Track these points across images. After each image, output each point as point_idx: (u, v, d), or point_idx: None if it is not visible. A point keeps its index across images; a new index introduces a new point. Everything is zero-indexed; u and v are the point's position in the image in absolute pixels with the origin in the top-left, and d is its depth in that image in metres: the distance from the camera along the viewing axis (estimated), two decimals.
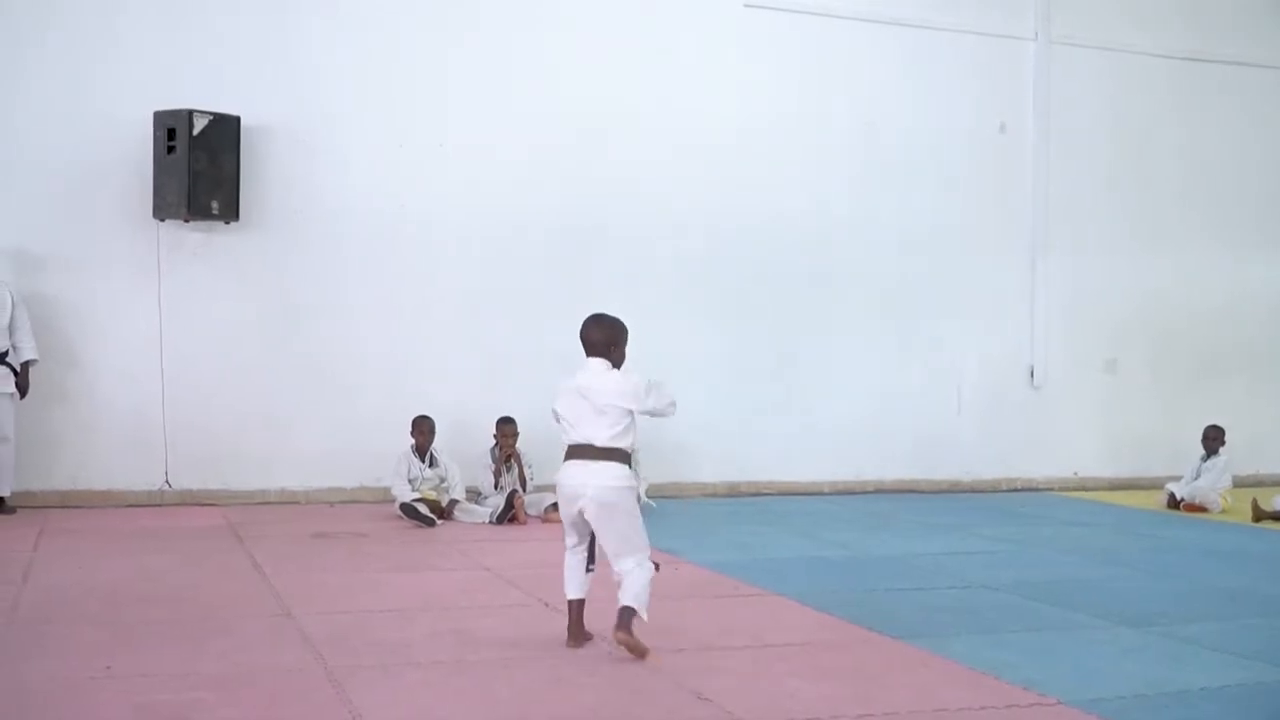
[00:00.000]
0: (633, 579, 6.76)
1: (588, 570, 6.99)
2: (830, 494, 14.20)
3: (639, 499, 11.91)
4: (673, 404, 6.91)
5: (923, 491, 14.59)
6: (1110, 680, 6.58)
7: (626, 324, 7.03)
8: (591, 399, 6.81)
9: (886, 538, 11.37)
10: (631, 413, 6.84)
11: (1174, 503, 13.66)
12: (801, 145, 14.28)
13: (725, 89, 14.01)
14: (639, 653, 6.67)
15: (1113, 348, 15.74)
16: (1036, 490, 15.17)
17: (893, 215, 14.64)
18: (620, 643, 6.69)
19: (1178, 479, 13.92)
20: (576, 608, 6.99)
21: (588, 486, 6.79)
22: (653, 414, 6.92)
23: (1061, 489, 15.25)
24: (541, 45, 13.37)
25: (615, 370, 6.91)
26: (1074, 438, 15.52)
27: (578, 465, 6.84)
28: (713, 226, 13.86)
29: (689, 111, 13.81)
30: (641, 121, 13.62)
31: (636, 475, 11.67)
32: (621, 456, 6.82)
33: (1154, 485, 14.42)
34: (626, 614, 6.69)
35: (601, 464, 6.80)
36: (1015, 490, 15.09)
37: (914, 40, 14.76)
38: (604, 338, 6.94)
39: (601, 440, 6.80)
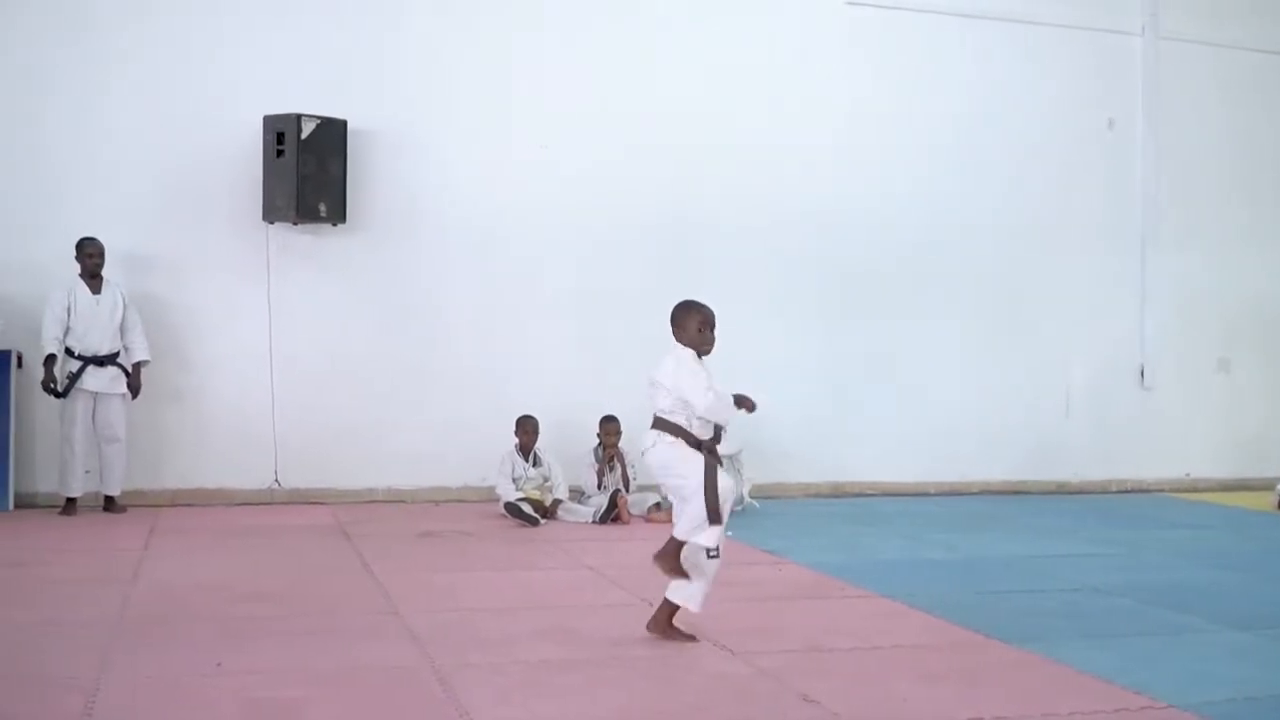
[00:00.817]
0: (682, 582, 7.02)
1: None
2: (935, 495, 14.08)
3: (742, 498, 12.05)
4: (706, 405, 6.92)
5: (1030, 493, 14.42)
6: (1221, 683, 6.45)
7: (694, 306, 7.17)
8: (652, 375, 7.13)
9: (993, 540, 11.25)
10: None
11: None
12: (904, 142, 14.17)
13: (827, 86, 13.93)
14: (682, 638, 7.01)
15: (1225, 346, 15.47)
16: (1147, 491, 14.93)
17: (998, 213, 14.49)
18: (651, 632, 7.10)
19: None
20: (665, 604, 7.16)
21: (645, 451, 7.22)
22: (692, 407, 6.97)
23: (1173, 490, 15.00)
24: (642, 45, 13.38)
25: (678, 352, 7.09)
26: (1185, 438, 15.25)
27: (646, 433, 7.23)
28: (814, 224, 13.78)
29: (791, 108, 13.76)
30: (742, 118, 13.57)
31: (739, 476, 11.81)
32: (668, 427, 7.01)
33: (1268, 486, 14.10)
34: (665, 607, 7.06)
35: (652, 432, 7.10)
36: (1125, 492, 14.86)
37: (1019, 36, 14.59)
38: (671, 322, 7.19)
39: (658, 411, 7.08)
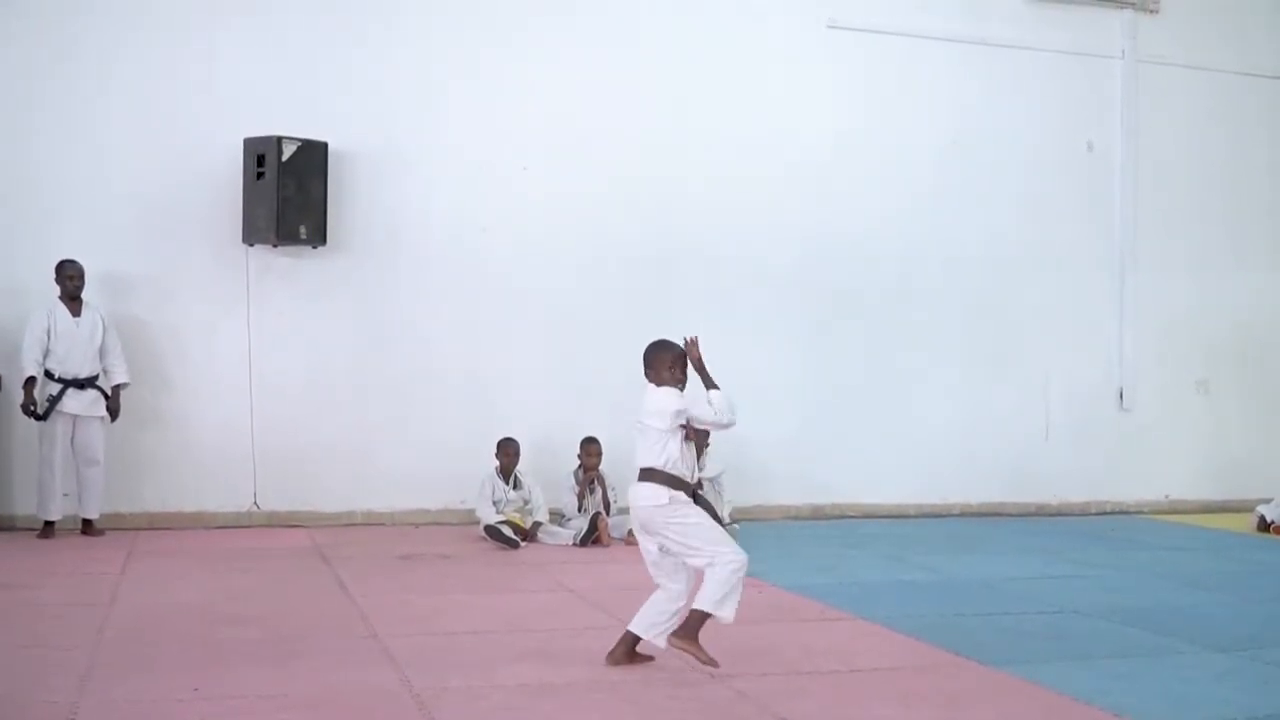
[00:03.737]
0: (710, 577, 6.78)
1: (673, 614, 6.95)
2: (916, 516, 14.09)
3: (721, 519, 12.01)
4: (723, 411, 6.82)
5: (1010, 514, 14.43)
6: (1201, 706, 6.48)
7: (667, 345, 7.07)
8: (640, 419, 6.97)
9: (974, 561, 11.26)
10: (668, 432, 6.86)
11: (1264, 525, 13.40)
12: (886, 165, 14.20)
13: (809, 110, 13.97)
14: (700, 659, 6.75)
15: (1204, 369, 15.50)
16: (1126, 513, 14.95)
17: (979, 235, 14.52)
18: (674, 647, 6.82)
19: (1270, 501, 13.67)
20: (627, 636, 7.03)
21: (633, 508, 6.98)
22: (702, 424, 6.97)
23: (1152, 512, 15.02)
24: (623, 68, 13.39)
25: (656, 389, 6.98)
26: (1165, 460, 15.27)
27: (634, 486, 7.01)
28: (795, 246, 13.81)
29: (772, 132, 13.78)
30: (724, 142, 13.60)
31: (719, 498, 11.80)
32: (659, 477, 6.84)
33: (1247, 508, 14.11)
34: (693, 618, 6.79)
35: (640, 485, 6.93)
36: (1105, 513, 14.87)
37: (999, 59, 14.64)
38: (646, 362, 7.07)
39: (641, 461, 6.94)
